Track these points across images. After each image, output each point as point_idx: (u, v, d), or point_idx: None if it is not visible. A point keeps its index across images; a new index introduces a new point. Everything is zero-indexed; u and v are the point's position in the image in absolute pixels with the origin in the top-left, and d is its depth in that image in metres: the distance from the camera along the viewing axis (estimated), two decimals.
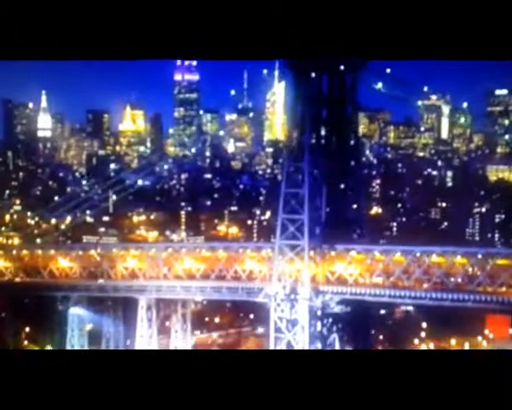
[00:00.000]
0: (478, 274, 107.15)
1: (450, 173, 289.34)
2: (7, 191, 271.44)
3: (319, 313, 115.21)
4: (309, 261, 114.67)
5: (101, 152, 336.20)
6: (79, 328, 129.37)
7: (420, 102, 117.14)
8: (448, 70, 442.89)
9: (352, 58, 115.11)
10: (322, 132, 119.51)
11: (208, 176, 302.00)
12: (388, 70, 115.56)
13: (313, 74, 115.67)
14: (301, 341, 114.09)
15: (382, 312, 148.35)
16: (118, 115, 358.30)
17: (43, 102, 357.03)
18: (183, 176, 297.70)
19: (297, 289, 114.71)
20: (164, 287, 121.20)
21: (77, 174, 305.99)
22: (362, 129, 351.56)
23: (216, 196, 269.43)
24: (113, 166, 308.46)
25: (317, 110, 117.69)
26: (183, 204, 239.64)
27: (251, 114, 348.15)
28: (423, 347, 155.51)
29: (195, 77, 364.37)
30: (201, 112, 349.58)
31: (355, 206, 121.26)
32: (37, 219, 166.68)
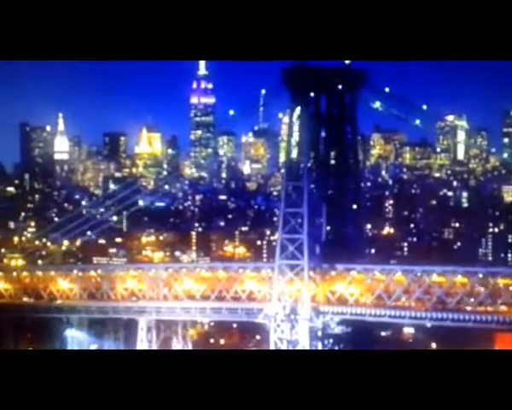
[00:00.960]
0: (479, 293, 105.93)
1: (465, 194, 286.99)
2: (22, 213, 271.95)
3: (320, 333, 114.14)
4: (309, 281, 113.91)
5: (118, 174, 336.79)
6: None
7: (418, 121, 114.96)
8: (465, 91, 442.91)
9: (351, 77, 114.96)
10: (321, 151, 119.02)
11: (223, 197, 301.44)
12: (387, 89, 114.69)
13: (312, 93, 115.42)
14: None
15: (388, 333, 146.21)
16: (134, 138, 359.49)
17: (60, 125, 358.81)
18: (198, 197, 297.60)
19: (297, 310, 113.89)
20: (163, 308, 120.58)
21: (93, 197, 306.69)
22: (378, 150, 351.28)
23: (230, 216, 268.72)
24: (128, 187, 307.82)
25: (315, 129, 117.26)
26: (195, 225, 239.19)
27: (266, 136, 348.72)
28: None
29: (211, 100, 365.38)
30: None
31: (355, 225, 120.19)
32: (44, 240, 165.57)
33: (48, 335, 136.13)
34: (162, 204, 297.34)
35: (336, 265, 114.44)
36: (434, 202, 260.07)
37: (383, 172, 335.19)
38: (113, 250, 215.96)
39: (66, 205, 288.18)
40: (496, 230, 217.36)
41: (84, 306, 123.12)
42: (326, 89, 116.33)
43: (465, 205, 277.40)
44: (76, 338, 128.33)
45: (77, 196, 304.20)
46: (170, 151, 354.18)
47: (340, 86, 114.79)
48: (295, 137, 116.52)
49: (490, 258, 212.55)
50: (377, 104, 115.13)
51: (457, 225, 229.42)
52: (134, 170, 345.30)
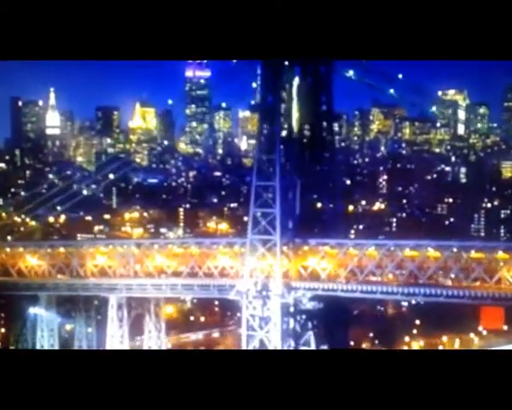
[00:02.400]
0: (451, 268, 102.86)
1: (463, 169, 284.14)
2: (12, 189, 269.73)
3: (292, 309, 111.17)
4: (281, 256, 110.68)
5: (111, 150, 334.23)
6: (49, 328, 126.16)
7: (392, 91, 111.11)
8: (464, 65, 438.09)
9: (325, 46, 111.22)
10: (295, 123, 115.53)
11: (218, 173, 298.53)
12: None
13: (285, 63, 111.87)
14: (274, 339, 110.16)
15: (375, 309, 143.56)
16: (128, 112, 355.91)
17: (52, 100, 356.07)
18: (192, 173, 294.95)
19: (269, 286, 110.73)
20: (134, 285, 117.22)
21: (84, 172, 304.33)
22: (377, 125, 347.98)
23: (223, 193, 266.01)
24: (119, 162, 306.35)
25: (288, 100, 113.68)
26: (185, 201, 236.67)
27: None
28: (414, 345, 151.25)
29: (207, 73, 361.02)
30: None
31: (331, 199, 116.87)
32: (23, 216, 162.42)
33: (16, 313, 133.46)
34: (155, 181, 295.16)
35: (309, 240, 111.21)
36: (429, 178, 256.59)
37: (382, 148, 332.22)
38: (100, 227, 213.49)
39: (56, 181, 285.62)
40: (489, 205, 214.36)
41: (53, 283, 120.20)
42: (299, 59, 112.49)
43: (463, 181, 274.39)
44: (45, 316, 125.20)
45: (68, 172, 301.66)
46: (164, 126, 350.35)
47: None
48: (268, 107, 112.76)
49: (482, 234, 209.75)
50: (350, 73, 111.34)
51: (451, 200, 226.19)
52: (127, 146, 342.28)
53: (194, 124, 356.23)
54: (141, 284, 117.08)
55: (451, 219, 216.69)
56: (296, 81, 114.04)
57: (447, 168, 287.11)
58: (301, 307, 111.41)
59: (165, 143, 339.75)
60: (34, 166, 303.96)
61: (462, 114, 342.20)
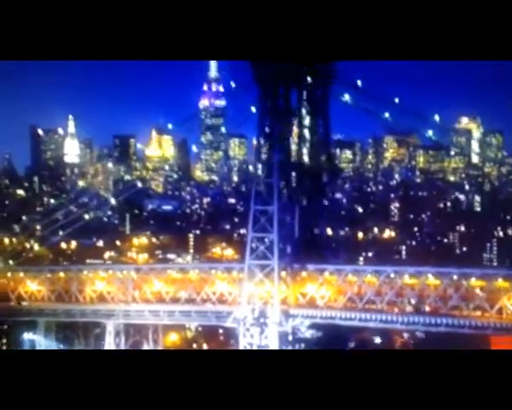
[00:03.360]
0: (451, 296, 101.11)
1: (478, 198, 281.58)
2: (29, 216, 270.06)
3: (290, 338, 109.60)
4: (279, 282, 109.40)
5: (127, 177, 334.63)
6: None
7: (387, 115, 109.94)
8: (479, 92, 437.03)
9: (321, 70, 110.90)
10: (293, 147, 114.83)
11: (232, 200, 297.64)
12: (359, 82, 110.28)
13: (281, 88, 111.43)
14: None
15: (380, 341, 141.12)
16: (145, 140, 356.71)
17: (71, 127, 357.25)
18: (206, 200, 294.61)
19: (266, 313, 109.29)
20: (132, 312, 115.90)
21: (102, 199, 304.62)
22: (391, 153, 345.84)
23: (236, 219, 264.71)
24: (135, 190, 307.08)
25: (286, 124, 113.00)
26: (196, 227, 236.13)
27: None
28: None
29: (222, 102, 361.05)
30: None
31: (329, 225, 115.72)
32: (32, 242, 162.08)
33: (14, 339, 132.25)
34: (169, 207, 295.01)
35: (307, 265, 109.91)
36: (442, 205, 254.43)
37: (396, 176, 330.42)
38: (111, 253, 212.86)
39: (72, 207, 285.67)
40: (501, 233, 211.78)
41: (52, 309, 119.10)
42: (296, 83, 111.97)
43: (477, 209, 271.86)
44: (43, 343, 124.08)
45: (85, 200, 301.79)
46: (180, 154, 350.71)
47: (309, 79, 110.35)
48: (266, 132, 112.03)
49: (495, 263, 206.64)
50: (346, 97, 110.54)
51: (463, 228, 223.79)
52: (144, 173, 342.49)
53: (209, 152, 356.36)
54: (138, 311, 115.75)
55: (464, 248, 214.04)
56: (292, 106, 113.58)
57: (461, 196, 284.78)
58: (299, 335, 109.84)
59: (181, 170, 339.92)
60: (52, 192, 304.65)
61: (475, 143, 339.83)
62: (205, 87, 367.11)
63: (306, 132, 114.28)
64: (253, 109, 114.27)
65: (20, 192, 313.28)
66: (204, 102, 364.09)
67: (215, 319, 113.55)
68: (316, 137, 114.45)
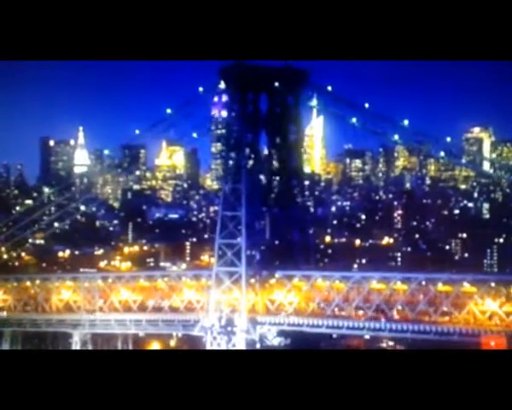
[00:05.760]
0: (418, 301, 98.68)
1: (486, 205, 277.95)
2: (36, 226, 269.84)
3: (258, 346, 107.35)
4: (247, 289, 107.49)
5: (137, 186, 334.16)
6: None
7: (354, 120, 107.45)
8: (490, 102, 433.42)
9: (292, 75, 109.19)
10: (264, 153, 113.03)
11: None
12: (329, 88, 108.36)
13: (250, 93, 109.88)
14: None
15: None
16: (155, 151, 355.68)
17: (81, 138, 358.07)
18: (212, 209, 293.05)
19: (234, 321, 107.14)
20: (97, 321, 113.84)
21: (110, 209, 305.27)
22: (402, 162, 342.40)
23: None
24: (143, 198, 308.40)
25: (256, 129, 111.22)
26: (198, 236, 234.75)
27: None
28: None
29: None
30: None
31: (299, 230, 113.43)
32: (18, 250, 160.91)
33: None
34: (176, 216, 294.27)
35: (276, 272, 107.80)
36: (446, 213, 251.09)
37: (407, 184, 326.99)
38: (105, 262, 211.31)
39: (79, 217, 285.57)
40: (501, 240, 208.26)
41: (17, 319, 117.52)
42: (266, 88, 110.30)
43: (486, 216, 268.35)
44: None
45: (93, 209, 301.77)
46: (190, 164, 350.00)
47: (277, 84, 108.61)
48: (234, 136, 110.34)
49: (495, 269, 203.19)
50: (314, 102, 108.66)
51: (465, 235, 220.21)
52: (153, 182, 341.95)
53: (219, 161, 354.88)
54: (105, 320, 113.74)
55: (465, 255, 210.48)
56: (263, 111, 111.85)
57: (470, 204, 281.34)
58: (267, 343, 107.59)
59: (190, 179, 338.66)
60: (60, 203, 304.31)
61: (487, 151, 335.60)
62: (215, 98, 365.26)
63: (277, 138, 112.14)
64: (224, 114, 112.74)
65: (29, 202, 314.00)
66: (214, 113, 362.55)
67: (182, 328, 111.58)
68: (287, 142, 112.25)
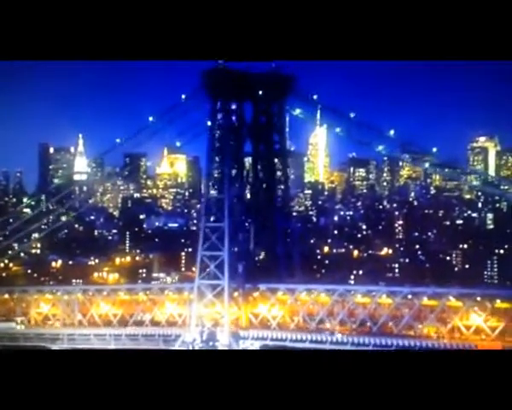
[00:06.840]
0: (403, 315, 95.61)
1: (490, 215, 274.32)
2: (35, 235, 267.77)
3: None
4: (230, 303, 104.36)
5: (137, 195, 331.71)
6: None
7: (338, 130, 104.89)
8: (496, 112, 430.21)
9: (277, 83, 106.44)
10: (247, 163, 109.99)
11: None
12: (315, 96, 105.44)
13: (234, 102, 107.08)
14: None
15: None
16: (156, 159, 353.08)
17: (80, 146, 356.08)
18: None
19: (216, 336, 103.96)
20: (76, 335, 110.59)
21: (109, 217, 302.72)
22: (406, 171, 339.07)
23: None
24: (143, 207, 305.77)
25: (239, 138, 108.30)
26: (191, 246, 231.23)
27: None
28: None
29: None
30: None
31: (284, 242, 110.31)
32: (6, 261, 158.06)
33: None
34: (175, 225, 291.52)
35: (259, 285, 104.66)
36: (448, 223, 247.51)
37: (412, 194, 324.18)
38: (99, 274, 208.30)
39: (77, 226, 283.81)
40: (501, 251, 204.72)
41: None
42: (250, 96, 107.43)
43: (490, 226, 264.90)
44: None
45: (92, 217, 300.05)
46: (192, 172, 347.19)
47: (261, 92, 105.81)
48: (217, 145, 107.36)
49: (496, 281, 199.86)
50: (297, 111, 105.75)
51: (465, 246, 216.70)
52: (154, 191, 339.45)
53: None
54: (84, 334, 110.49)
55: (465, 266, 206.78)
56: (246, 120, 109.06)
57: (474, 214, 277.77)
58: None
59: (191, 188, 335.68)
60: (58, 210, 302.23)
61: (492, 161, 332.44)
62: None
63: (262, 147, 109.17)
64: (209, 123, 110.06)
65: (27, 211, 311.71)
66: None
67: (163, 343, 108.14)
68: (271, 152, 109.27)
